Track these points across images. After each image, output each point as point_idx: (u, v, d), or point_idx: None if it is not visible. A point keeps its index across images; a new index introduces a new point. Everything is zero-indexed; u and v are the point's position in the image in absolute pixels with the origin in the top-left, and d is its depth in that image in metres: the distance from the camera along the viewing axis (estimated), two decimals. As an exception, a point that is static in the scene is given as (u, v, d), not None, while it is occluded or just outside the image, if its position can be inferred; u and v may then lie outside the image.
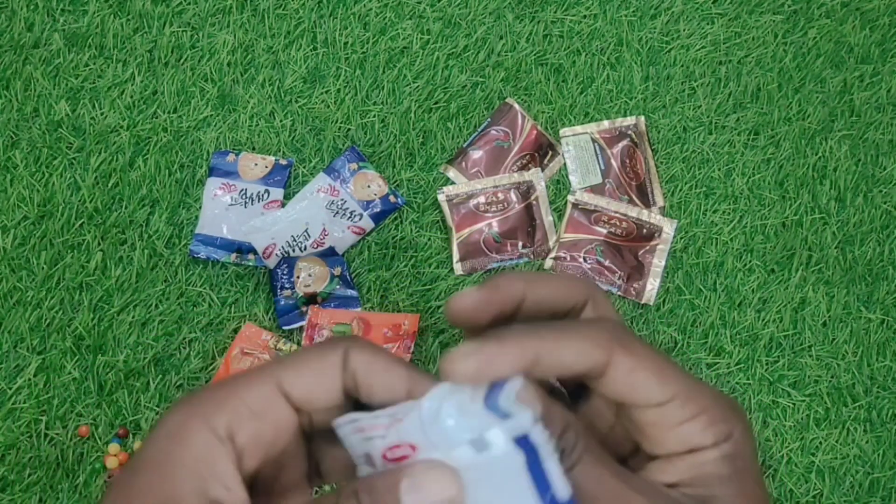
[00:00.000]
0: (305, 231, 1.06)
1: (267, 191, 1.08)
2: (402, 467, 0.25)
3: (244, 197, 1.08)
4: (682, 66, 1.21)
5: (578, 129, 1.16)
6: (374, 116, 1.13)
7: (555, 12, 1.20)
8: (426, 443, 0.25)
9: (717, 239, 1.14)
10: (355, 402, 0.28)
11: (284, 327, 1.03)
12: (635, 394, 0.27)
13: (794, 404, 1.08)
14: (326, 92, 1.14)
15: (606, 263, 1.11)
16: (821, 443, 1.07)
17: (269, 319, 1.05)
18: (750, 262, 1.14)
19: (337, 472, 0.30)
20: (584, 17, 1.21)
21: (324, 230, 1.07)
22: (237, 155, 1.09)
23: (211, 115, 1.11)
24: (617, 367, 0.27)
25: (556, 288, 0.29)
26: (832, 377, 1.10)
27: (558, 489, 0.24)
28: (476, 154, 1.14)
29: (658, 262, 1.11)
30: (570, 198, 1.13)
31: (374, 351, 0.27)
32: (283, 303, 1.03)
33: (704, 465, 0.27)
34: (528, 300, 0.29)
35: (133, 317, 1.03)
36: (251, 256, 1.06)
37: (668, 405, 0.27)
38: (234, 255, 1.05)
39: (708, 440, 0.27)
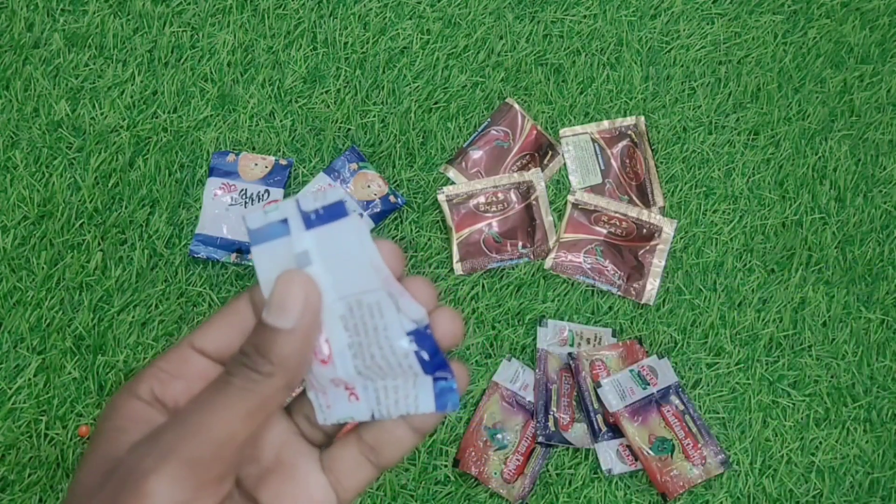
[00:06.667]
0: (305, 231, 1.06)
1: (267, 191, 1.08)
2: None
3: (244, 197, 1.08)
4: (682, 66, 1.21)
5: (578, 129, 1.16)
6: (374, 116, 1.13)
7: (555, 12, 1.20)
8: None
9: (717, 239, 1.14)
10: None
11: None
12: None
13: (794, 404, 1.08)
14: (326, 92, 1.14)
15: (606, 263, 1.11)
16: (821, 443, 1.07)
17: (269, 319, 1.05)
18: (750, 262, 1.14)
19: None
20: (584, 17, 1.21)
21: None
22: (237, 155, 1.09)
23: (211, 115, 1.11)
24: None
25: None
26: (832, 377, 1.10)
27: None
28: (476, 154, 1.14)
29: (658, 262, 1.11)
30: (570, 198, 1.13)
31: None
32: (283, 303, 1.03)
33: None
34: None
35: (133, 317, 1.03)
36: (251, 256, 1.06)
37: None
38: (234, 255, 1.06)
39: None
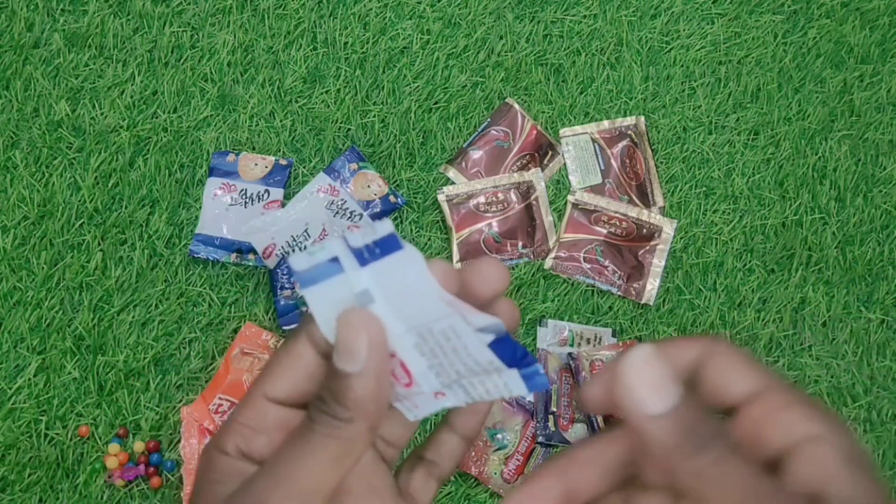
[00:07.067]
0: (305, 231, 1.06)
1: (267, 191, 1.08)
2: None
3: (244, 197, 1.08)
4: (682, 66, 1.21)
5: (578, 129, 1.16)
6: (374, 116, 1.13)
7: (555, 12, 1.20)
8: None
9: (717, 239, 1.14)
10: None
11: (284, 327, 1.03)
12: (721, 385, 0.28)
13: (794, 404, 1.08)
14: (326, 92, 1.14)
15: (606, 263, 1.11)
16: (821, 443, 1.07)
17: (269, 319, 1.05)
18: (750, 262, 1.14)
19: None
20: (584, 17, 1.21)
21: (324, 230, 1.07)
22: (237, 155, 1.09)
23: (211, 115, 1.11)
24: (708, 366, 0.28)
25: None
26: (832, 377, 1.10)
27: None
28: (476, 154, 1.14)
29: (658, 262, 1.11)
30: (570, 198, 1.13)
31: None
32: (283, 303, 1.03)
33: (816, 460, 0.26)
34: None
35: (133, 317, 1.03)
36: (251, 256, 1.06)
37: (760, 397, 0.27)
38: (234, 255, 1.05)
39: (812, 430, 0.26)
